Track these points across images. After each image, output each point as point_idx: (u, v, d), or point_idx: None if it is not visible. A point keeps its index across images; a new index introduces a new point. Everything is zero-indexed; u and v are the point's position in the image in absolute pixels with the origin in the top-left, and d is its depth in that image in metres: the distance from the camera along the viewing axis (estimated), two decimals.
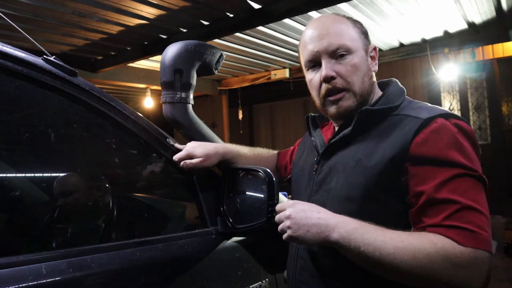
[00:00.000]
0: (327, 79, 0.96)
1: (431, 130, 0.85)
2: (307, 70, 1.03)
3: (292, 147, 1.38)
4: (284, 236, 0.90)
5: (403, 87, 1.03)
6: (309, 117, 1.17)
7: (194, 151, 1.17)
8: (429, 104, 0.96)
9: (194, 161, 1.15)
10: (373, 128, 0.95)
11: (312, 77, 1.01)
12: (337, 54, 0.96)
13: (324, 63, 0.97)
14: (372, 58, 1.02)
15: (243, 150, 1.31)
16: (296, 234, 0.87)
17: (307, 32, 1.01)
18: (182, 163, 1.16)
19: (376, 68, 1.03)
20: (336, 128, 1.06)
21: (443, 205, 0.81)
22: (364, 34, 1.01)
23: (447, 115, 0.88)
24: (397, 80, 1.05)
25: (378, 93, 1.03)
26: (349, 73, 0.96)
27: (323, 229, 0.85)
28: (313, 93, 1.03)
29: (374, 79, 1.03)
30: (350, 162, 0.94)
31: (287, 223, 0.89)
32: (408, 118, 0.90)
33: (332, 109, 0.99)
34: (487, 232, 0.79)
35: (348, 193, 0.92)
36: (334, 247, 0.86)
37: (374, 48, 1.03)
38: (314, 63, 1.00)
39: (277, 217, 0.93)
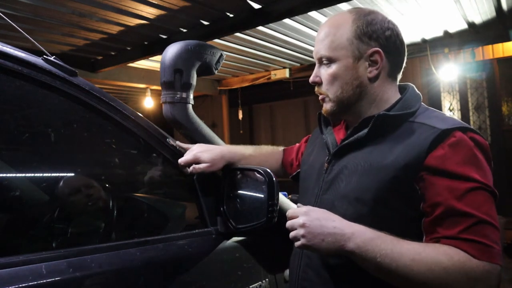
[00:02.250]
0: (313, 83, 1.03)
1: (449, 144, 0.85)
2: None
3: (298, 144, 1.38)
4: (297, 244, 0.88)
5: (419, 93, 1.02)
6: (321, 114, 1.14)
7: (201, 156, 1.16)
8: (445, 115, 0.96)
9: (201, 166, 1.15)
10: (388, 133, 0.94)
11: None
12: (322, 61, 1.01)
13: (315, 67, 1.03)
14: (373, 62, 0.96)
15: (248, 151, 1.31)
16: (310, 243, 0.86)
17: None
18: (191, 168, 1.15)
19: (375, 73, 0.96)
20: (349, 129, 1.05)
21: (459, 217, 0.82)
22: (363, 36, 0.95)
23: (465, 129, 0.88)
24: (414, 85, 1.05)
25: (394, 97, 1.00)
26: (326, 81, 1.00)
27: (339, 239, 0.84)
28: None
29: (373, 84, 0.97)
30: (363, 164, 0.94)
31: (301, 231, 0.87)
32: (424, 126, 0.90)
33: (323, 109, 1.05)
34: (499, 246, 0.81)
35: (359, 196, 0.91)
36: (349, 257, 0.85)
37: (375, 51, 0.95)
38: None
39: (289, 224, 0.91)
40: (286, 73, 6.02)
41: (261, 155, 1.36)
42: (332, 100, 1.00)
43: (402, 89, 1.04)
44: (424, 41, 4.85)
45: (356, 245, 0.83)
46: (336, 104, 1.00)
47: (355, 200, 0.92)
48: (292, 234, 0.89)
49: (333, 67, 0.98)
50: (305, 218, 0.88)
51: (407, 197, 0.87)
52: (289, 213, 0.92)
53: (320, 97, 1.03)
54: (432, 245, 0.83)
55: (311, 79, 1.03)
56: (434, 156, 0.85)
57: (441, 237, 0.83)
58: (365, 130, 0.95)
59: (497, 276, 0.79)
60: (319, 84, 1.02)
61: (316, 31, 1.05)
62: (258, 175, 1.12)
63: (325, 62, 0.99)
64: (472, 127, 0.90)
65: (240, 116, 7.16)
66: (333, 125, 1.14)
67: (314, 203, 1.01)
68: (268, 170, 1.09)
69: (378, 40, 0.95)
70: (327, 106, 1.02)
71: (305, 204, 0.97)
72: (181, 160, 1.17)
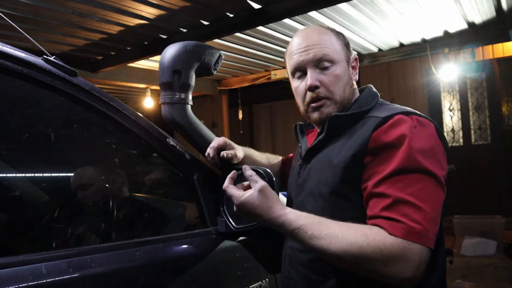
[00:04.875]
0: (312, 88, 1.02)
1: (388, 125, 0.90)
2: (293, 78, 1.09)
3: (292, 154, 1.40)
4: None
5: (376, 91, 1.08)
6: (296, 126, 1.23)
7: (230, 142, 1.20)
8: (398, 105, 1.00)
9: (231, 152, 1.18)
10: (344, 131, 1.00)
11: (298, 85, 1.07)
12: (321, 65, 1.02)
13: (309, 73, 1.02)
14: (353, 68, 1.08)
15: (256, 153, 1.35)
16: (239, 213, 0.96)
17: (294, 42, 1.07)
18: (223, 153, 1.17)
19: (357, 77, 1.08)
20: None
21: (379, 198, 0.85)
22: (347, 45, 1.07)
23: (408, 113, 0.92)
24: (372, 86, 1.10)
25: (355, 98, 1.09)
26: (331, 83, 1.02)
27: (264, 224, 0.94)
28: (298, 100, 1.09)
29: (355, 86, 1.08)
30: (323, 162, 1.00)
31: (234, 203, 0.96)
32: (373, 118, 0.96)
33: (315, 115, 1.05)
34: (422, 226, 0.80)
35: (320, 190, 0.97)
36: (277, 227, 0.91)
37: (356, 59, 1.08)
38: (300, 72, 1.05)
39: (227, 189, 0.99)
40: (286, 73, 6.01)
41: (267, 161, 1.38)
42: (336, 102, 1.02)
43: (363, 91, 1.10)
44: (424, 41, 4.85)
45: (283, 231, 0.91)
46: (339, 106, 1.03)
47: (317, 194, 0.97)
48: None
49: (337, 69, 1.02)
50: (237, 209, 0.97)
51: (359, 187, 0.91)
52: (232, 192, 0.98)
53: (319, 102, 1.02)
54: (354, 225, 0.85)
55: (311, 83, 1.01)
56: (373, 137, 0.90)
57: (368, 218, 0.87)
58: (323, 133, 1.02)
59: (417, 255, 0.79)
60: (318, 88, 1.01)
61: None
62: (258, 175, 1.12)
63: (326, 64, 1.01)
64: (419, 113, 0.93)
65: (240, 116, 7.15)
66: (307, 133, 1.19)
67: (294, 208, 1.02)
68: (268, 170, 1.10)
69: (351, 50, 1.08)
70: (329, 109, 1.02)
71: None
72: (215, 142, 1.19)
